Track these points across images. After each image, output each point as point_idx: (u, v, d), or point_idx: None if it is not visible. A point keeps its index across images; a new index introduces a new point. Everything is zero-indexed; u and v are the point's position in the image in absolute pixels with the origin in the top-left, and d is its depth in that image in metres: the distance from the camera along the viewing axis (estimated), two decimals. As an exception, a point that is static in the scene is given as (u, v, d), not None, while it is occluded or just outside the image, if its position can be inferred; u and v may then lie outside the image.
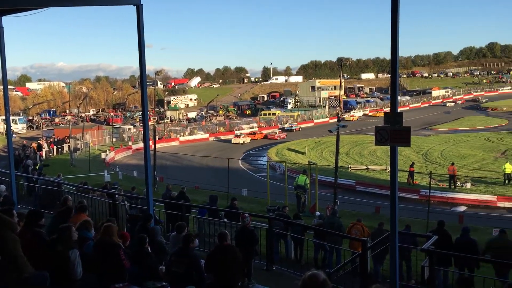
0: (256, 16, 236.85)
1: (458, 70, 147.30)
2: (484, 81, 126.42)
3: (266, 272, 9.90)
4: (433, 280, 8.33)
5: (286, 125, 66.31)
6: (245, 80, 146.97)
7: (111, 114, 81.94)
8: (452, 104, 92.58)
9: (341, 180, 29.42)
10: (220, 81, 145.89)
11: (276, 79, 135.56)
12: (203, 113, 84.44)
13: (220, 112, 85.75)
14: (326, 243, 11.39)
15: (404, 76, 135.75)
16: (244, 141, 54.66)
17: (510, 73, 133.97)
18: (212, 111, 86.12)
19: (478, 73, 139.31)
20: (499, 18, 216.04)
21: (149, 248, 7.06)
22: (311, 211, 21.51)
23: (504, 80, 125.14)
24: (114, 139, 55.97)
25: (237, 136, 56.56)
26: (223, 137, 59.27)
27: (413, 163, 33.45)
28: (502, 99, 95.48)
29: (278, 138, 56.93)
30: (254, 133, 58.58)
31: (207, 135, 59.38)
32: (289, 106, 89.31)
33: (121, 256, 6.16)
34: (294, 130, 63.59)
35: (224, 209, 13.97)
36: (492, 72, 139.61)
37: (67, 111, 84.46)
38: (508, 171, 31.73)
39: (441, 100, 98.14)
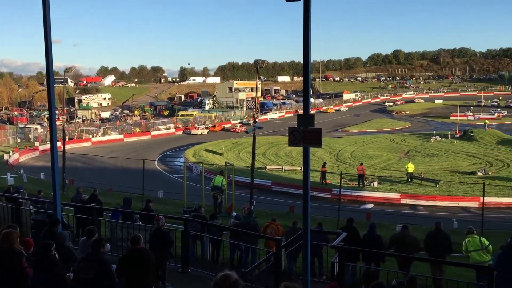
0: (173, 15, 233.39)
1: (366, 75, 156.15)
2: (390, 86, 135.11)
3: (182, 275, 9.79)
4: (342, 275, 8.72)
5: (244, 120, 72.39)
6: (162, 80, 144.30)
7: (16, 112, 76.40)
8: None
9: (258, 180, 29.90)
10: (136, 80, 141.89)
11: (194, 79, 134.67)
12: (118, 113, 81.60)
13: (136, 112, 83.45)
14: (242, 243, 11.48)
15: (318, 79, 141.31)
16: (202, 133, 61.61)
17: (412, 79, 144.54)
18: (127, 111, 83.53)
19: (384, 79, 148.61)
20: (403, 27, 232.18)
21: (56, 255, 6.67)
22: (227, 212, 21.57)
23: (407, 85, 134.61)
24: (19, 140, 52.37)
25: (196, 128, 63.59)
26: (138, 138, 57.84)
27: (325, 163, 34.88)
28: (405, 103, 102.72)
29: (239, 131, 60.88)
30: (214, 126, 65.51)
31: (121, 136, 57.48)
32: (207, 107, 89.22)
33: (23, 264, 5.76)
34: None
35: (138, 211, 13.58)
36: (397, 77, 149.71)
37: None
38: (410, 170, 34.13)
39: (351, 103, 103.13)
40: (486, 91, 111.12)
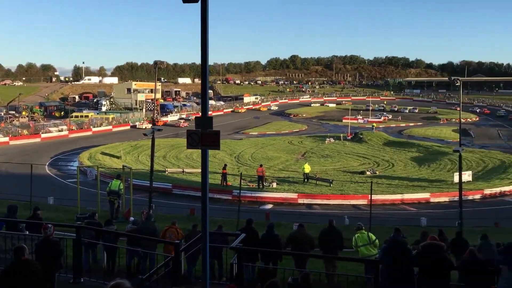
0: (65, 12, 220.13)
1: (266, 78, 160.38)
2: (288, 89, 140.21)
3: (73, 285, 9.23)
4: (241, 276, 8.81)
5: (184, 115, 77.84)
6: (54, 79, 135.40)
7: None
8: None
9: (158, 183, 29.27)
10: (24, 79, 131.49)
11: (89, 79, 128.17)
12: (2, 113, 74.93)
13: (24, 113, 77.29)
14: (140, 249, 11.13)
15: (219, 82, 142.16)
16: (146, 127, 62.76)
17: (308, 84, 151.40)
18: (14, 112, 77.10)
19: (282, 82, 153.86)
20: (301, 33, 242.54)
21: None
22: (125, 217, 20.81)
23: (304, 89, 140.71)
24: None
25: (141, 123, 68.53)
26: (26, 141, 53.63)
27: (225, 165, 35.17)
28: (302, 106, 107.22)
29: (183, 126, 66.08)
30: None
31: (7, 139, 52.87)
32: (104, 108, 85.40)
33: None
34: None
35: (25, 220, 12.55)
36: (294, 82, 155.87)
37: None
38: (306, 170, 35.67)
39: (251, 106, 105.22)
40: (374, 96, 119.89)
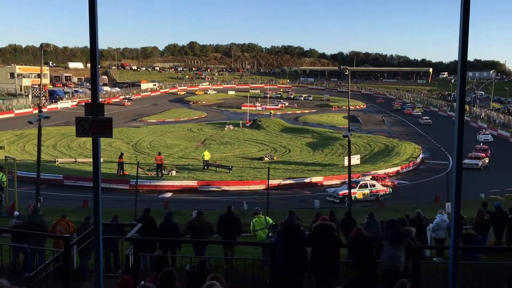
0: None
1: (164, 65, 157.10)
2: (187, 76, 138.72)
3: None
4: (137, 266, 8.60)
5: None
6: None
7: None
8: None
9: (47, 175, 27.48)
10: None
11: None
12: None
13: None
14: (27, 245, 10.35)
15: (114, 67, 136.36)
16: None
17: (207, 71, 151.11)
18: None
19: (181, 69, 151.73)
20: (198, 19, 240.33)
21: None
22: (9, 212, 19.22)
23: (203, 76, 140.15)
24: None
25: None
26: None
27: (122, 154, 33.96)
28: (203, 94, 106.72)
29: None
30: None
31: None
32: (-21, 94, 77.67)
33: None
34: None
35: None
36: (193, 69, 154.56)
37: None
38: (206, 158, 35.72)
39: (149, 93, 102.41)
40: (271, 84, 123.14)
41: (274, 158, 41.05)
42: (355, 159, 36.94)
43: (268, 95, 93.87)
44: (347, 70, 24.06)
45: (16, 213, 12.59)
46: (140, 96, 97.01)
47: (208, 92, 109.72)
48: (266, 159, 39.89)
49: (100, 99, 6.75)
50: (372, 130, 61.56)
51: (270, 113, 72.20)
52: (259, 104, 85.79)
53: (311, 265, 7.80)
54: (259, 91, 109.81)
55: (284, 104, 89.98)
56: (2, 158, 28.26)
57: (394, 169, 36.73)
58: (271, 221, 11.67)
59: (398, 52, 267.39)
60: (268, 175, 23.90)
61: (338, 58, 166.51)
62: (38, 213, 11.80)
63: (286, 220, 8.30)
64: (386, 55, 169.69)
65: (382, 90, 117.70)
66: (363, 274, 7.60)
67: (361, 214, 16.63)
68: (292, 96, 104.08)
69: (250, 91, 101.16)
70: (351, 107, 32.09)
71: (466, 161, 36.04)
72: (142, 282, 7.42)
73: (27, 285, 8.20)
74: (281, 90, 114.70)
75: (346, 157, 26.91)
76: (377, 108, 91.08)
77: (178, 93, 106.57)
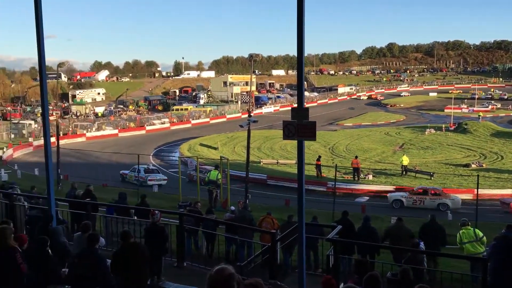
0: (167, 9, 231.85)
1: (361, 68, 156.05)
2: (384, 79, 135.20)
3: (177, 269, 9.79)
4: (337, 267, 8.75)
5: None
6: (156, 75, 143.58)
7: (9, 108, 75.93)
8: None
9: (253, 174, 29.91)
10: (130, 75, 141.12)
11: (188, 73, 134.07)
12: (112, 108, 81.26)
13: (130, 107, 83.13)
14: (238, 237, 11.50)
15: (313, 73, 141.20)
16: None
17: (407, 72, 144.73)
18: (122, 106, 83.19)
19: (379, 72, 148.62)
20: (398, 20, 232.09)
21: (49, 250, 6.64)
22: (223, 206, 21.61)
23: (401, 78, 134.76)
24: (13, 135, 52.00)
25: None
26: (133, 133, 57.67)
27: (319, 156, 34.90)
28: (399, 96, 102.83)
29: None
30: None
31: (116, 131, 57.27)
32: (202, 102, 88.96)
33: (17, 260, 5.73)
34: None
35: (134, 206, 13.56)
36: (391, 70, 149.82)
37: (-42, 105, 76.87)
38: (405, 163, 34.24)
39: (346, 97, 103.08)
40: (480, 84, 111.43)
41: (483, 165, 37.03)
42: None
43: (476, 96, 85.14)
44: None
45: (232, 208, 14.03)
46: (336, 100, 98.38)
47: (402, 95, 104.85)
48: (473, 166, 36.24)
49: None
50: None
51: (479, 115, 65.34)
52: (465, 106, 78.49)
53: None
54: (461, 91, 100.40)
55: (496, 105, 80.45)
56: (217, 158, 32.04)
57: None
58: (481, 234, 10.59)
59: None
60: (477, 184, 21.64)
61: None
62: (247, 209, 13.01)
63: (503, 234, 7.44)
64: None
65: None
66: None
67: None
68: (505, 97, 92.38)
69: (454, 92, 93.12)
70: None
71: None
72: (342, 284, 7.53)
73: (239, 274, 9.06)
74: (492, 90, 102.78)
75: None
76: None
77: (372, 97, 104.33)
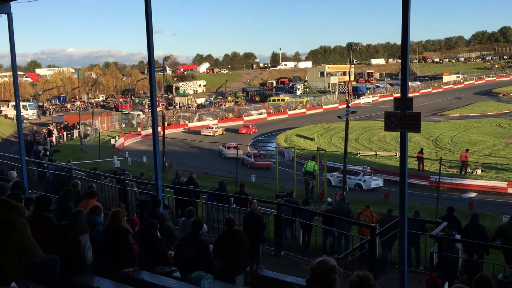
0: (263, 4, 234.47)
1: (470, 55, 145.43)
2: (496, 66, 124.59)
3: (275, 258, 9.95)
4: (442, 265, 8.30)
5: None
6: (254, 66, 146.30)
7: (120, 100, 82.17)
8: None
9: (350, 166, 29.36)
10: (229, 66, 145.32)
11: (285, 64, 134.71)
12: (212, 99, 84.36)
13: (229, 98, 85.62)
14: (335, 229, 11.38)
15: (415, 61, 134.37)
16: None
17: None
18: (221, 97, 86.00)
19: (490, 58, 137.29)
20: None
21: (158, 234, 7.11)
22: (319, 197, 21.52)
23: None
24: (123, 125, 56.21)
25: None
26: (231, 123, 59.35)
27: (422, 149, 33.23)
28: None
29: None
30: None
31: (215, 121, 59.40)
32: (298, 92, 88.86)
33: (130, 241, 6.20)
34: None
35: (233, 194, 14.00)
36: (505, 57, 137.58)
37: (77, 97, 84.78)
38: (519, 157, 31.43)
39: (452, 86, 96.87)
40: None
41: None
42: None
43: None
44: None
45: (329, 199, 13.94)
46: (441, 89, 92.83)
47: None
48: None
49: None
50: None
51: None
52: None
53: None
54: None
55: None
56: (313, 149, 31.92)
57: None
58: None
59: None
60: None
61: None
62: (345, 201, 12.82)
63: None
64: None
65: None
66: None
67: None
68: None
69: None
70: None
71: None
72: (447, 283, 7.14)
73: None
74: None
75: None
76: None
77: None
